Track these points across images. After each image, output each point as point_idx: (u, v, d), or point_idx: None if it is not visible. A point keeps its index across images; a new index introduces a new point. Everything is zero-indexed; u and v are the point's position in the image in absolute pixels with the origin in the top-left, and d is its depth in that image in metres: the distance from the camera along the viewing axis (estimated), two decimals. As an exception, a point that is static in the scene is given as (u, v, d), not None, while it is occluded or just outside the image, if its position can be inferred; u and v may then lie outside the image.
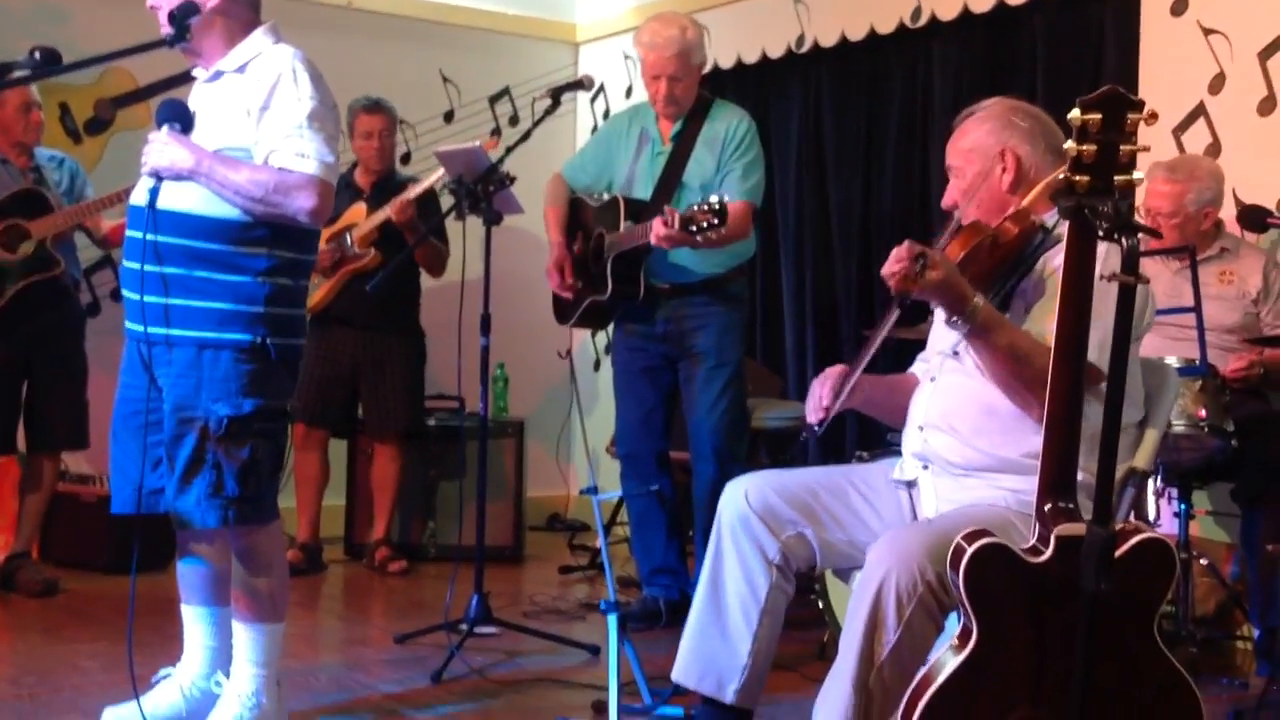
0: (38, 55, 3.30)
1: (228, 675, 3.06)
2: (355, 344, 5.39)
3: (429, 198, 5.31)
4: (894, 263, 2.53)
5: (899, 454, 3.04)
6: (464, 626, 4.01)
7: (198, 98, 3.04)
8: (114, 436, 3.06)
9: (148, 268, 2.88)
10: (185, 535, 3.09)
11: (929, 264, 2.49)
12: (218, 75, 3.00)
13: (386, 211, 5.17)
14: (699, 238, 4.00)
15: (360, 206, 5.32)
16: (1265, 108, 4.31)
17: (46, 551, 5.18)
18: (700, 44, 4.43)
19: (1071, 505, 2.21)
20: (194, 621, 3.14)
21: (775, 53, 5.85)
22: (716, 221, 3.94)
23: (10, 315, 4.67)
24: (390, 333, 5.44)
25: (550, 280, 4.58)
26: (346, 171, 5.54)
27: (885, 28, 5.40)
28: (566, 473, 6.79)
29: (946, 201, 2.85)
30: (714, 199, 3.96)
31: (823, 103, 5.84)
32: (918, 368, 3.05)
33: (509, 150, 4.26)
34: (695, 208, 3.99)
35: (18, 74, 3.29)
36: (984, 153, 2.81)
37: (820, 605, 3.91)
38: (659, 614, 4.43)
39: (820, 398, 2.87)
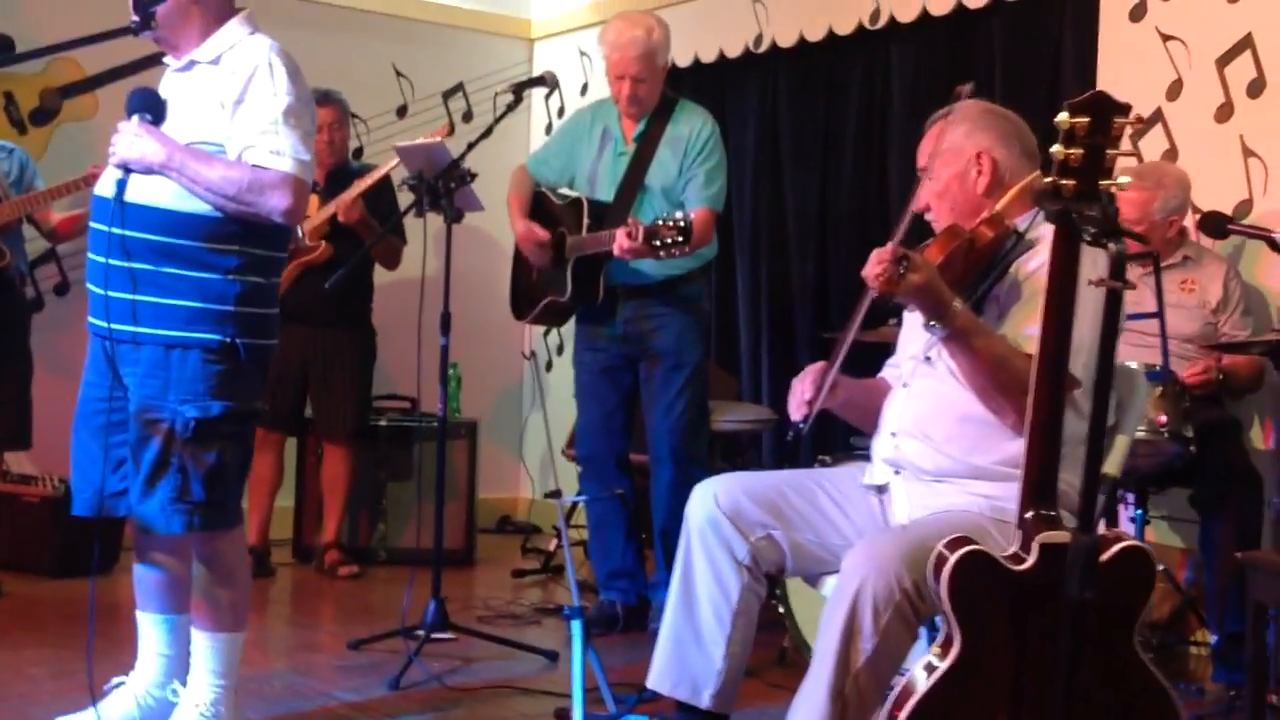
0: (-8, 45, 3.21)
1: (184, 684, 2.98)
2: (305, 340, 5.27)
3: (385, 189, 5.23)
4: (876, 264, 2.50)
5: (863, 458, 3.03)
6: (421, 632, 3.94)
7: (168, 87, 2.94)
8: (75, 436, 2.96)
9: (114, 262, 2.79)
10: (145, 540, 3.00)
11: (911, 267, 2.47)
12: (191, 65, 2.90)
13: (332, 208, 5.10)
14: (662, 252, 3.99)
15: (313, 198, 5.23)
16: (1222, 114, 4.33)
17: (-13, 555, 5.06)
18: (665, 45, 4.39)
19: (1054, 513, 2.20)
20: (150, 628, 3.05)
21: (733, 52, 5.83)
22: (681, 239, 3.93)
23: (-48, 309, 4.55)
24: (341, 328, 5.35)
25: (527, 253, 4.50)
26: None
27: (844, 29, 5.39)
28: (517, 475, 6.73)
29: (918, 204, 2.82)
30: (679, 215, 3.95)
31: (780, 103, 5.82)
32: (888, 373, 3.03)
33: (470, 146, 4.19)
34: (660, 222, 3.96)
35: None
36: (959, 154, 2.79)
37: (780, 610, 3.89)
38: (617, 618, 4.40)
39: (802, 392, 2.82)
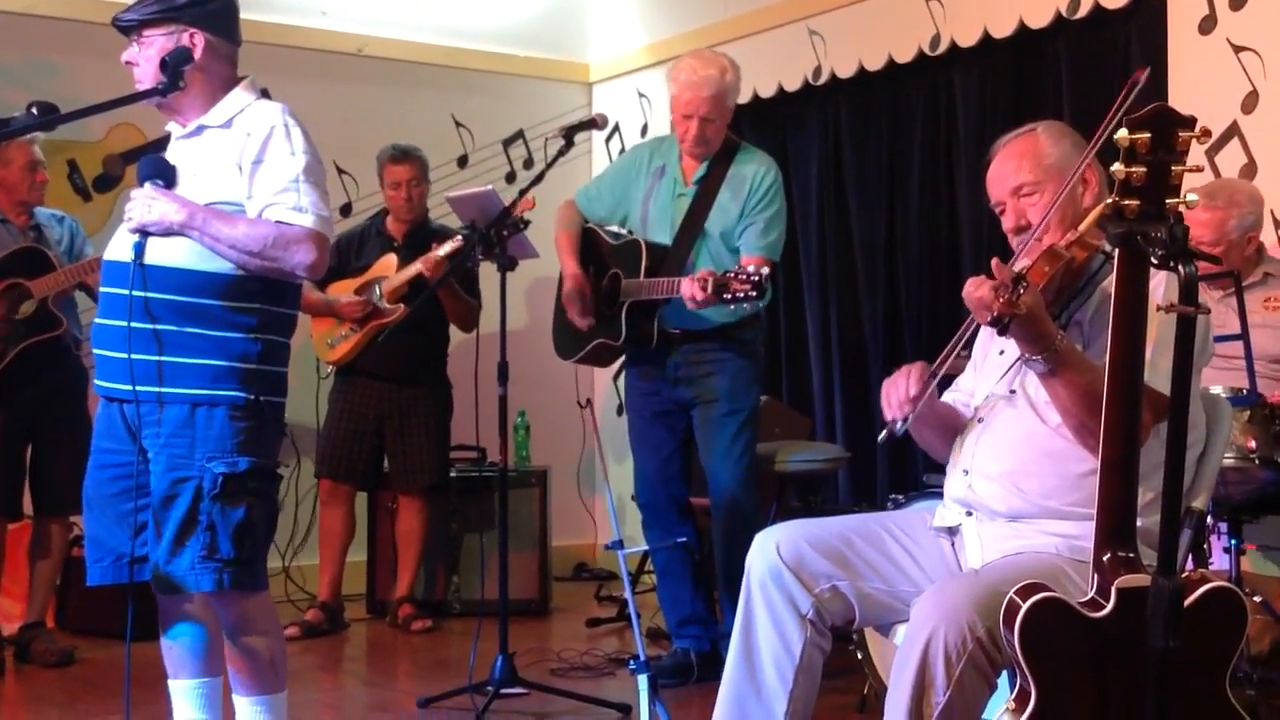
0: (34, 110, 3.21)
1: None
2: (381, 396, 5.31)
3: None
4: (989, 287, 2.27)
5: (934, 496, 2.88)
6: (490, 689, 3.86)
7: (176, 153, 2.95)
8: (88, 504, 2.93)
9: (137, 325, 2.77)
10: (170, 604, 2.94)
11: (1028, 288, 2.26)
12: (200, 130, 2.92)
13: (417, 267, 5.07)
14: (732, 305, 3.93)
15: (391, 258, 5.23)
16: (1302, 125, 4.17)
17: (63, 620, 5.06)
18: (736, 86, 4.31)
19: (1132, 554, 2.06)
20: (183, 696, 2.99)
21: (792, 85, 5.74)
22: (755, 294, 3.86)
23: (12, 377, 4.55)
24: (417, 384, 5.34)
25: (569, 308, 4.44)
26: (378, 219, 5.46)
27: (904, 56, 5.28)
28: (593, 520, 6.64)
29: (1033, 218, 2.60)
30: (751, 269, 3.87)
31: (842, 135, 5.73)
32: (950, 398, 2.88)
33: (522, 193, 4.14)
34: (731, 275, 3.89)
35: (14, 128, 3.21)
36: (1066, 169, 2.58)
37: (859, 656, 3.76)
38: (690, 667, 4.29)
39: (907, 389, 2.60)
